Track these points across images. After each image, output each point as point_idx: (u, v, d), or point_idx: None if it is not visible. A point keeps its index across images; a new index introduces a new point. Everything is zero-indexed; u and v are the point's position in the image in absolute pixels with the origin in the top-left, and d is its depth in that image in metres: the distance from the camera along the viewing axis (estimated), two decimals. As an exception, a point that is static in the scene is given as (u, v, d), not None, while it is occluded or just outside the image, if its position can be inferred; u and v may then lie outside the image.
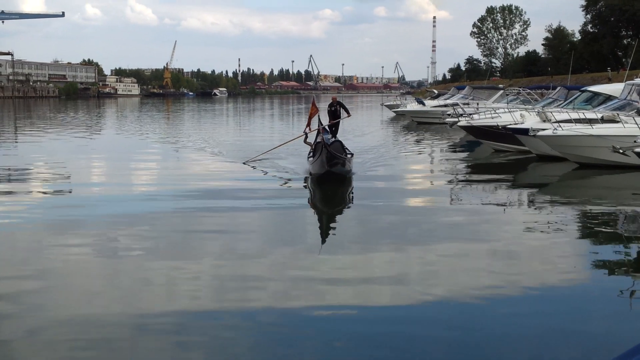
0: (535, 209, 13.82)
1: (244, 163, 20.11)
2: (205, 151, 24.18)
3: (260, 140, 29.62)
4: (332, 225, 12.10)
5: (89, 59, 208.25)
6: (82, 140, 31.20)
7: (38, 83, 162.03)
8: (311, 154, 17.39)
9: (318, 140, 17.41)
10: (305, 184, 16.26)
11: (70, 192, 15.63)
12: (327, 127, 20.47)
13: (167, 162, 21.93)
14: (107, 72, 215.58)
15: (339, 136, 19.92)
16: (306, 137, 19.16)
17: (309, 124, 19.81)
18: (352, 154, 17.80)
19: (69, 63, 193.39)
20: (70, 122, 47.79)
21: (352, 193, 15.20)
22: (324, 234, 11.24)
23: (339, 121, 21.18)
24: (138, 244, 10.14)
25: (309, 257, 9.45)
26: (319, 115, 19.65)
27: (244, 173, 18.53)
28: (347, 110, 21.29)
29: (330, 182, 15.59)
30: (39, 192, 15.48)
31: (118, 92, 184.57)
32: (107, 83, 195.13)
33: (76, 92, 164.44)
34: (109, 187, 16.39)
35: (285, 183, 16.72)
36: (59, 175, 18.33)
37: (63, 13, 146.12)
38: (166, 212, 12.55)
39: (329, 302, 7.41)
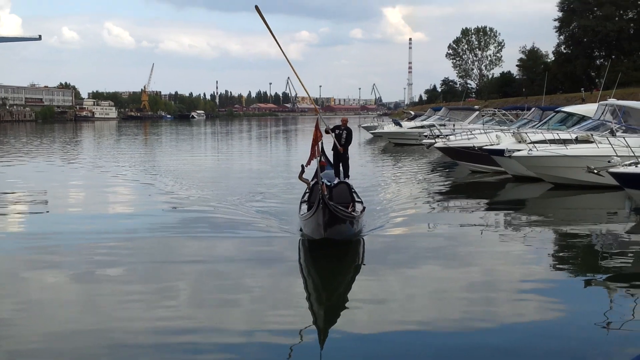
0: (512, 230, 13.85)
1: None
2: (180, 184, 20.88)
3: (238, 169, 29.51)
4: (310, 249, 11.58)
5: (66, 83, 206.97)
6: (55, 166, 30.83)
7: (14, 107, 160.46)
8: (305, 197, 12.95)
9: (317, 180, 12.52)
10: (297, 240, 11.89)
11: (45, 218, 15.37)
12: (330, 160, 16.25)
13: (142, 192, 20.35)
14: (84, 95, 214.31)
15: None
16: (302, 171, 13.69)
17: (312, 156, 13.58)
18: (363, 206, 12.76)
19: (45, 87, 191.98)
20: (44, 147, 47.25)
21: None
22: (305, 258, 10.97)
23: (347, 154, 16.18)
24: (114, 270, 9.98)
25: (286, 281, 9.36)
26: (322, 143, 14.51)
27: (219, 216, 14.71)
28: (348, 143, 16.26)
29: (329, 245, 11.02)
30: (14, 218, 15.24)
31: (95, 116, 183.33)
32: (84, 106, 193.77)
33: (53, 116, 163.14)
34: (85, 213, 16.18)
35: (267, 246, 11.99)
36: (34, 201, 18.04)
37: (40, 36, 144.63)
38: (143, 240, 12.41)
39: (309, 325, 7.31)
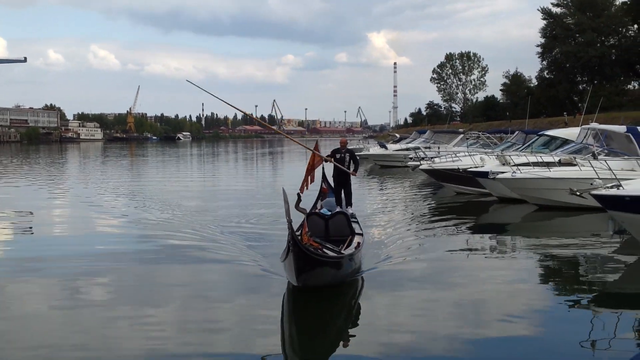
0: (497, 252, 13.98)
1: None
2: (165, 210, 19.49)
3: (225, 193, 29.51)
4: (293, 294, 9.50)
5: (51, 104, 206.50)
6: (39, 189, 30.70)
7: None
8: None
9: (316, 208, 12.25)
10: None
11: (30, 240, 15.35)
12: (331, 185, 14.79)
13: (123, 218, 19.82)
14: (69, 116, 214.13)
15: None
16: (299, 200, 11.87)
17: (306, 182, 12.88)
18: (358, 242, 10.80)
19: (30, 108, 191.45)
20: (27, 168, 47.03)
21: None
22: (287, 306, 9.11)
23: (349, 179, 14.86)
24: (99, 292, 10.02)
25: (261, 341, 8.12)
26: (323, 168, 14.15)
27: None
28: (356, 165, 15.10)
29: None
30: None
31: (80, 137, 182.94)
32: (69, 128, 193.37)
33: (38, 137, 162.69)
34: (69, 237, 16.28)
35: (253, 292, 9.81)
36: (19, 223, 17.99)
37: (25, 58, 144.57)
38: (127, 266, 12.42)
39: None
